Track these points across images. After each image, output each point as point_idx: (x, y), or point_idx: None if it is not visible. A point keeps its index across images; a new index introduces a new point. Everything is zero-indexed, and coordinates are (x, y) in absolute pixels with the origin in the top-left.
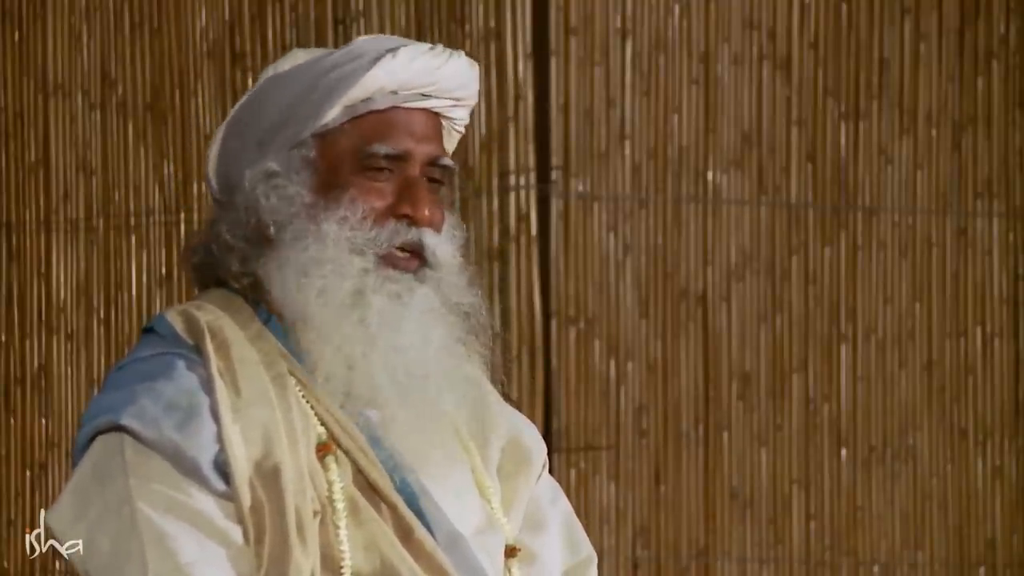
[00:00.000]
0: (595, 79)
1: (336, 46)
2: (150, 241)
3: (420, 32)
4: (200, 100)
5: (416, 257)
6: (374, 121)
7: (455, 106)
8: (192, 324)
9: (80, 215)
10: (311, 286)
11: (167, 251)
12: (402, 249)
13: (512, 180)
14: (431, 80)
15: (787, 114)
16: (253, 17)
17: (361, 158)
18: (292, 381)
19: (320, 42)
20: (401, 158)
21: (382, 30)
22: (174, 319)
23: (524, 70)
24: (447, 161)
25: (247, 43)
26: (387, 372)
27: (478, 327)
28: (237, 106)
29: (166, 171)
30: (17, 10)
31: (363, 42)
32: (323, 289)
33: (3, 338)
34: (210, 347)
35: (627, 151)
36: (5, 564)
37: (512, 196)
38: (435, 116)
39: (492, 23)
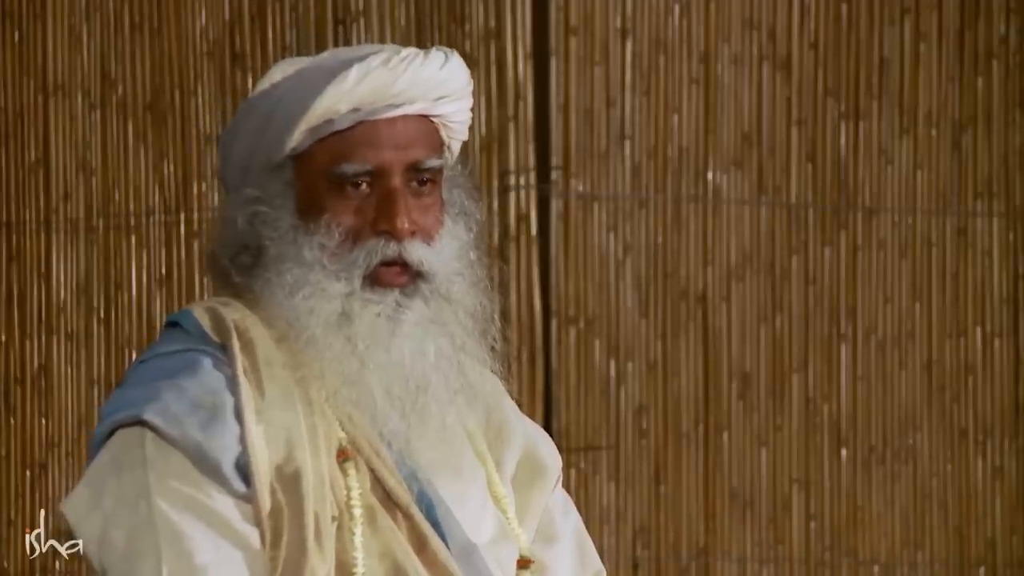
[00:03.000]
0: (595, 79)
1: (336, 46)
2: (150, 241)
3: (420, 32)
4: (200, 100)
5: (406, 270)
6: (340, 140)
7: (439, 103)
8: (219, 322)
9: (80, 215)
10: (300, 306)
11: (167, 251)
12: (390, 264)
13: (512, 180)
14: (393, 91)
15: (787, 114)
16: (253, 17)
17: (332, 179)
18: (316, 385)
19: (320, 42)
20: (374, 173)
21: (382, 30)
22: (201, 316)
23: (524, 70)
24: (431, 163)
25: (247, 43)
26: (382, 387)
27: (486, 328)
28: (227, 128)
29: (166, 171)
30: (17, 10)
31: (324, 58)
32: (311, 309)
33: (3, 338)
34: (236, 346)
35: (627, 151)
36: (5, 564)
37: (512, 196)
38: (418, 118)
39: (492, 23)
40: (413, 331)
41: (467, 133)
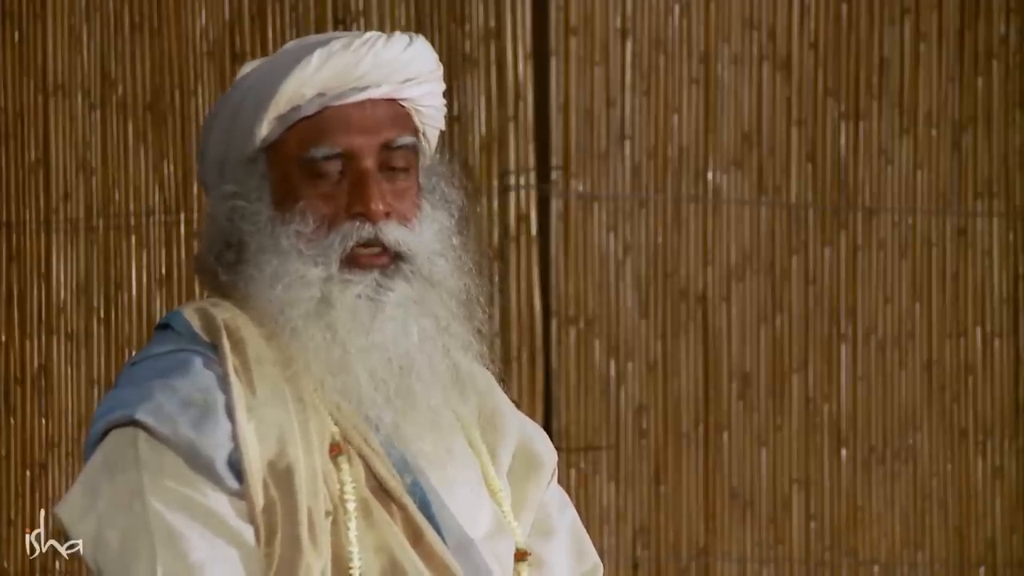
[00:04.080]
0: (595, 79)
1: None
2: (150, 241)
3: (420, 32)
4: (200, 100)
5: (385, 252)
6: (308, 126)
7: (406, 86)
8: (209, 322)
9: (80, 215)
10: (280, 298)
11: (167, 251)
12: (368, 245)
13: (512, 180)
14: (357, 73)
15: (787, 114)
16: (253, 17)
17: (303, 165)
18: (306, 380)
19: None
20: (344, 156)
21: (382, 30)
22: (191, 316)
23: (524, 70)
24: (403, 140)
25: (247, 43)
26: (366, 372)
27: (471, 310)
28: (202, 128)
29: (166, 171)
30: (17, 10)
31: (288, 48)
32: (291, 301)
33: (3, 338)
34: (227, 345)
35: (627, 151)
36: (5, 564)
37: (512, 196)
38: (387, 102)
39: (492, 23)
40: (395, 312)
41: (443, 121)
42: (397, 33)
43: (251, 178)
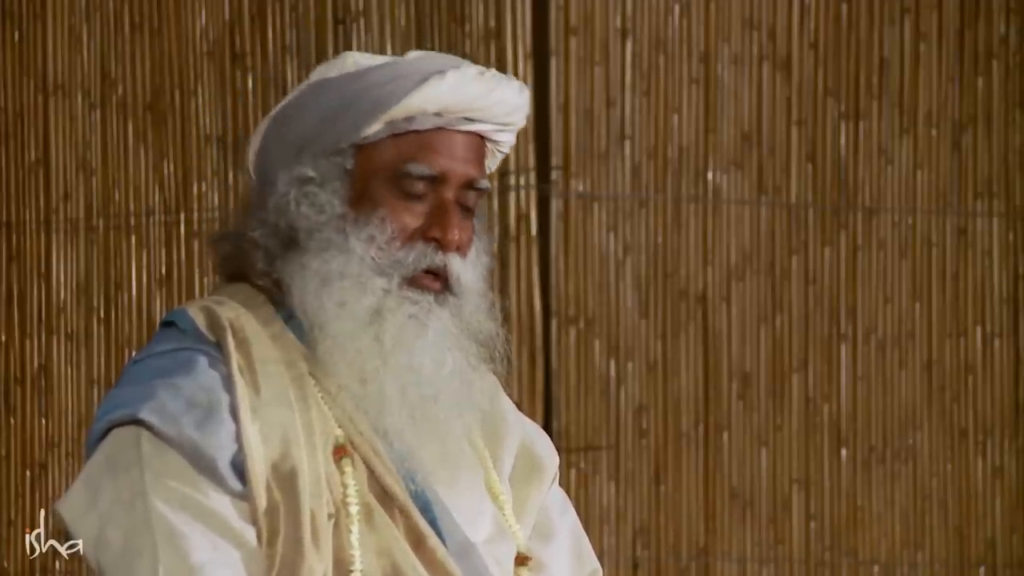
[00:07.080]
0: (595, 79)
1: (336, 46)
2: (150, 241)
3: (420, 32)
4: (200, 100)
5: (440, 280)
6: (415, 140)
7: (501, 130)
8: (214, 320)
9: (80, 215)
10: (331, 297)
11: (167, 251)
12: (432, 272)
13: (512, 180)
14: (479, 106)
15: (787, 114)
16: (253, 17)
17: (397, 176)
18: (312, 382)
19: (320, 42)
20: (437, 180)
21: (382, 30)
22: (196, 314)
23: (524, 70)
24: (483, 184)
25: (247, 43)
26: (398, 389)
27: (495, 354)
28: (281, 104)
29: (166, 171)
30: (17, 10)
31: (414, 58)
32: (342, 302)
33: (3, 338)
34: (231, 344)
35: (627, 151)
36: (5, 564)
37: (512, 196)
38: (479, 139)
39: (492, 23)
40: (436, 339)
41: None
42: (513, 77)
43: (332, 169)
